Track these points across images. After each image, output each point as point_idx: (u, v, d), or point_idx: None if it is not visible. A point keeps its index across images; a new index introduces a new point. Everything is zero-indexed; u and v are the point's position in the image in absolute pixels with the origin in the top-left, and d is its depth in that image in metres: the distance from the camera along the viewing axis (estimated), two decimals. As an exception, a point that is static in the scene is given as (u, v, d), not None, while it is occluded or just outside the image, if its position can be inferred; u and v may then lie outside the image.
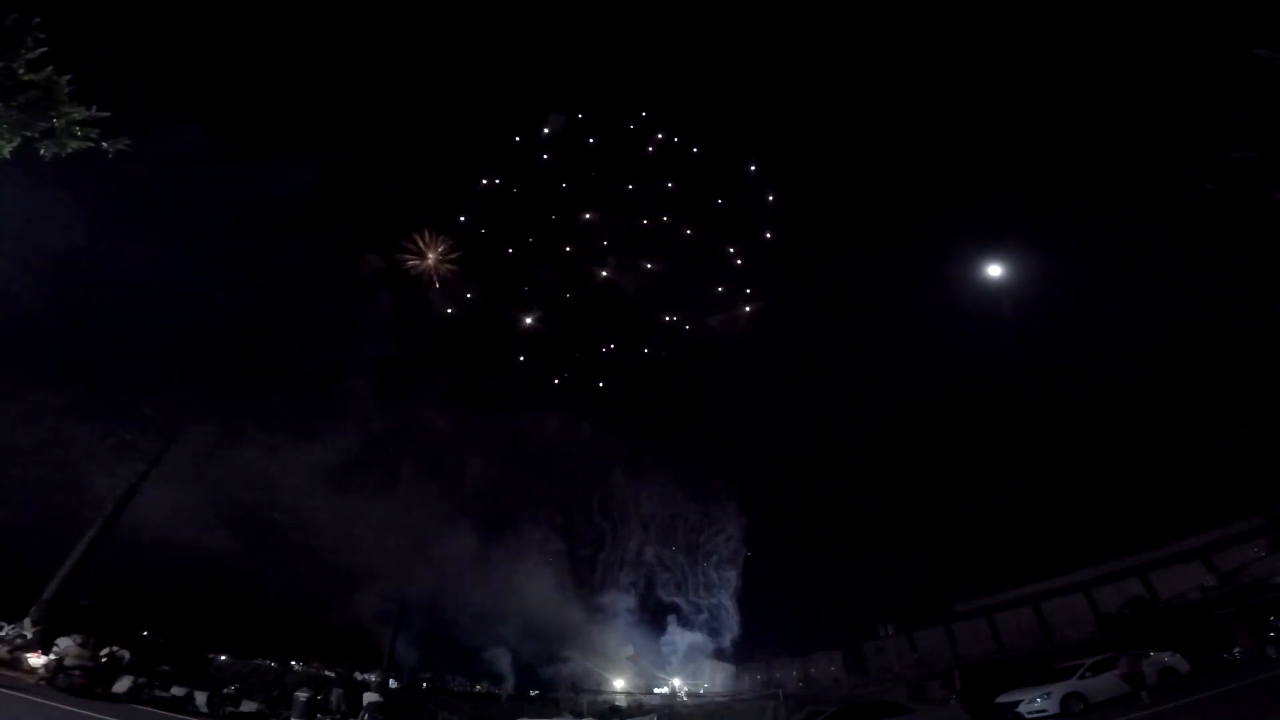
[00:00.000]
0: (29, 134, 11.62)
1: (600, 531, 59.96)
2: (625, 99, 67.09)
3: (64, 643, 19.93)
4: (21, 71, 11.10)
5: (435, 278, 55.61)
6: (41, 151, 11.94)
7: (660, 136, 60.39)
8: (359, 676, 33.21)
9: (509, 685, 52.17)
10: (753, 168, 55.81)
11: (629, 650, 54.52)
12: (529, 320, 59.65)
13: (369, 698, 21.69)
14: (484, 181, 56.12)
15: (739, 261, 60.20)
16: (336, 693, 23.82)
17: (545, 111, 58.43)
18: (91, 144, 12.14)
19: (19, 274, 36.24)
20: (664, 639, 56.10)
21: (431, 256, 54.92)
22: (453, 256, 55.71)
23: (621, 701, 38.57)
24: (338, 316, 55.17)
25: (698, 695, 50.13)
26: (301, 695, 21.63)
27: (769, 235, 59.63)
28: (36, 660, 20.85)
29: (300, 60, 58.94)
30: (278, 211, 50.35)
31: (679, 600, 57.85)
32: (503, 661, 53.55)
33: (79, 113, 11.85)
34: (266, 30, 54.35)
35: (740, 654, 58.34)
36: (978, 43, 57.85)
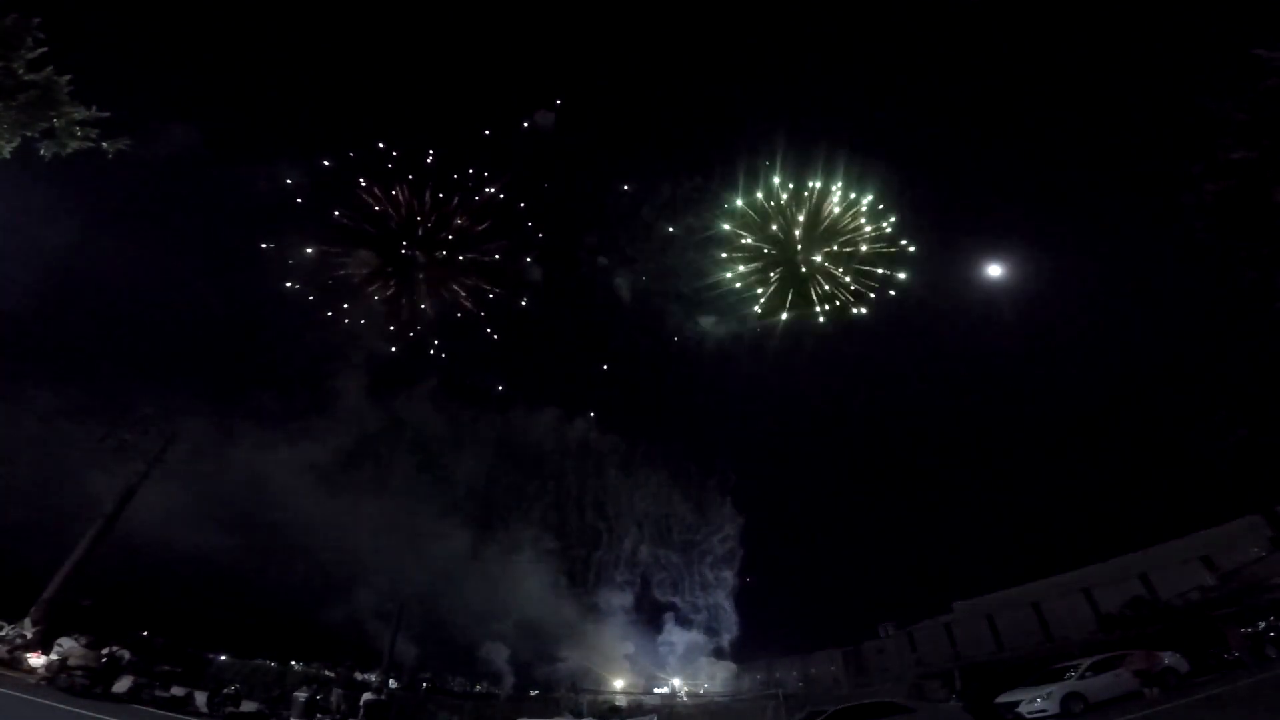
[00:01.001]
0: (29, 134, 11.61)
1: (599, 531, 59.98)
2: (617, 97, 67.21)
3: (65, 643, 19.94)
4: (21, 71, 11.09)
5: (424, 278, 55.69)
6: (41, 151, 11.92)
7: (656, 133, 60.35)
8: (359, 676, 33.22)
9: (508, 685, 52.19)
10: (766, 162, 55.64)
11: (628, 649, 54.52)
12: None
13: (368, 698, 21.70)
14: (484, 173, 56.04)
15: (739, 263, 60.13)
16: (336, 693, 23.85)
17: (535, 106, 58.28)
18: (91, 144, 12.13)
19: (19, 274, 36.21)
20: (664, 639, 56.12)
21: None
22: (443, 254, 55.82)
23: (621, 701, 38.58)
24: (332, 315, 55.23)
25: (698, 695, 50.13)
26: (301, 695, 21.64)
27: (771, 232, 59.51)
28: (37, 660, 20.85)
29: (291, 62, 59.00)
30: (271, 212, 50.43)
31: (678, 600, 57.87)
32: (502, 661, 53.57)
33: (79, 113, 11.84)
34: (260, 30, 54.37)
35: (740, 654, 58.40)
36: (979, 43, 57.84)
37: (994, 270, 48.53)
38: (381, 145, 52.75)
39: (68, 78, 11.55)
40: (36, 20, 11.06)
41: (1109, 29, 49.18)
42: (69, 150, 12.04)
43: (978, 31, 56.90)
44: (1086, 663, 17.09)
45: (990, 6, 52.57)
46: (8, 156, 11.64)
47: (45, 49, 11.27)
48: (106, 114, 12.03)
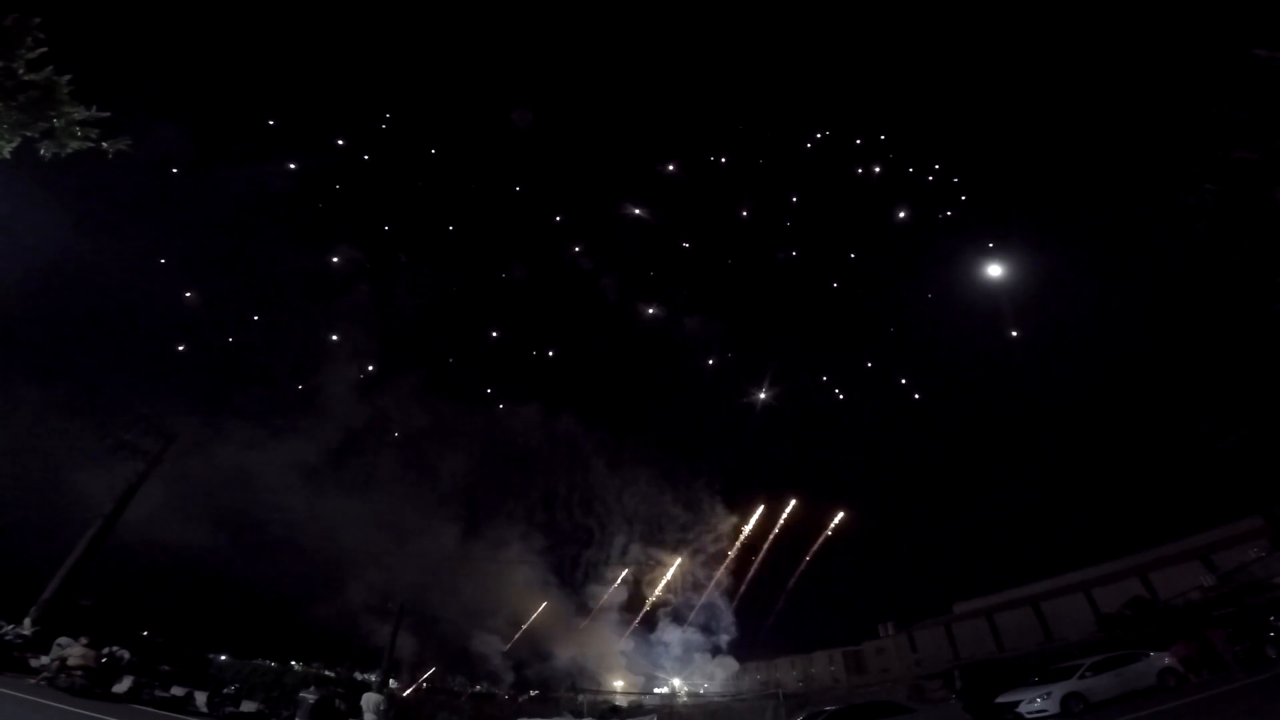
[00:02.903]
0: (29, 134, 11.56)
1: (600, 534, 60.00)
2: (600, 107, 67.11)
3: (65, 643, 19.89)
4: (21, 71, 11.05)
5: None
6: (41, 152, 11.87)
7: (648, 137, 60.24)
8: (359, 676, 33.19)
9: (507, 684, 52.19)
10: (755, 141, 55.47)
11: (627, 648, 54.53)
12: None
13: (369, 698, 21.64)
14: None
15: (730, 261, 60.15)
16: (337, 692, 23.81)
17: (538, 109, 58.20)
18: (91, 144, 12.07)
19: (18, 274, 36.18)
20: (663, 639, 56.09)
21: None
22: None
23: (620, 701, 38.55)
24: (337, 314, 55.18)
25: (697, 695, 50.10)
26: (310, 697, 21.49)
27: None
28: (36, 660, 20.82)
29: (285, 62, 58.95)
30: (263, 211, 50.51)
31: (678, 600, 57.83)
32: (499, 659, 53.59)
33: (79, 113, 11.77)
34: (257, 31, 54.38)
35: (740, 653, 58.39)
36: (979, 43, 57.81)
37: (993, 270, 48.62)
38: (369, 144, 52.78)
39: (68, 78, 11.51)
40: (36, 20, 11.03)
41: (1109, 29, 49.17)
42: (69, 150, 11.99)
43: (976, 32, 56.88)
44: (1087, 663, 17.07)
45: (989, 6, 52.56)
46: (8, 156, 11.61)
47: (45, 49, 11.23)
48: (107, 114, 11.99)
